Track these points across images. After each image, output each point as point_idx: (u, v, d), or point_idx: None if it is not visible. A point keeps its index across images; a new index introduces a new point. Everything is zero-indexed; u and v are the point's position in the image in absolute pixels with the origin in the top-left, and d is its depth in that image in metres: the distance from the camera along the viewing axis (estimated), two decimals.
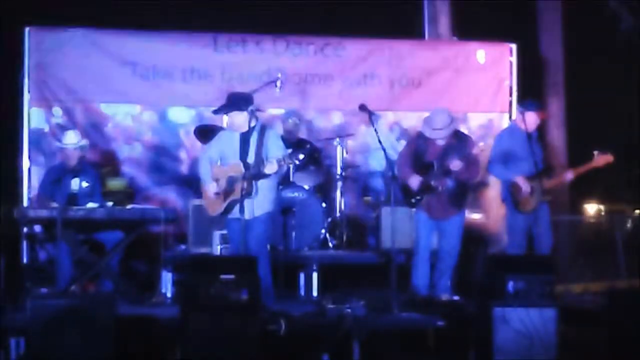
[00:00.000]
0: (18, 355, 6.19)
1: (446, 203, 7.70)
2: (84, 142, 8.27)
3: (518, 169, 7.85)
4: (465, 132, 8.65)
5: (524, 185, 7.76)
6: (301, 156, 7.02)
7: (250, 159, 7.08)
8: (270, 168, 6.99)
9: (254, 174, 7.03)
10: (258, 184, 7.07)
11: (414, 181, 7.65)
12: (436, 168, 7.63)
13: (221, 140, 7.32)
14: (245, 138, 7.14)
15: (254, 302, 6.05)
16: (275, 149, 7.14)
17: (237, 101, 7.21)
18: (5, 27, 9.56)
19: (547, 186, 7.89)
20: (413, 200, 7.66)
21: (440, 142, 7.70)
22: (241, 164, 7.05)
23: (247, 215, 7.00)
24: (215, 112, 7.46)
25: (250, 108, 7.12)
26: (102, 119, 9.28)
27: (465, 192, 7.83)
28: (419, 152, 7.74)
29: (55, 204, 7.69)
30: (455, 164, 7.53)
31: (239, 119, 7.14)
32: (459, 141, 7.72)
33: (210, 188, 7.19)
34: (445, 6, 11.08)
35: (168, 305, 7.40)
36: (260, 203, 7.12)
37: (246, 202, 7.00)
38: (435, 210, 7.71)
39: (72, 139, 8.10)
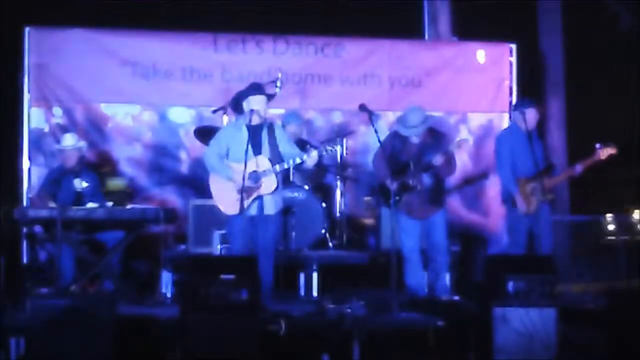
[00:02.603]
0: (18, 355, 6.19)
1: (426, 202, 7.68)
2: (82, 143, 8.29)
3: (520, 169, 7.85)
4: (465, 131, 8.68)
5: (522, 205, 7.76)
6: (336, 146, 7.35)
7: (265, 154, 7.09)
8: (311, 160, 7.08)
9: (292, 167, 7.13)
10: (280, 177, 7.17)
11: (392, 185, 7.59)
12: (412, 167, 7.62)
13: (228, 135, 7.25)
14: (255, 134, 7.13)
15: (254, 302, 6.05)
16: (287, 145, 7.25)
17: (259, 86, 7.31)
18: (5, 27, 9.56)
19: (551, 184, 7.90)
20: (392, 201, 7.61)
21: (415, 140, 7.70)
22: (265, 159, 7.08)
23: (270, 211, 7.11)
24: (240, 94, 7.34)
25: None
26: (102, 119, 9.28)
27: (443, 188, 7.82)
28: (394, 152, 7.72)
29: (53, 204, 7.71)
30: (438, 159, 7.53)
31: (258, 105, 7.13)
32: (435, 138, 7.73)
33: (227, 185, 7.10)
34: (445, 6, 11.07)
35: (168, 305, 7.40)
36: (277, 200, 7.18)
37: (266, 199, 7.09)
38: (416, 210, 7.70)
39: (69, 140, 8.16)
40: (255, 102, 7.16)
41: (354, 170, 9.52)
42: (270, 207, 7.16)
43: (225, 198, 7.14)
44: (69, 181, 8.03)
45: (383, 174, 7.64)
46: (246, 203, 7.05)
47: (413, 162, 7.61)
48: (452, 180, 9.27)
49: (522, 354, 6.11)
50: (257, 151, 7.10)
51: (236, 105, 7.34)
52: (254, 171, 7.06)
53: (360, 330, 6.37)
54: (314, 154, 7.10)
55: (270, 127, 7.22)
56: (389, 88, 9.78)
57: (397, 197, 7.59)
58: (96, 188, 8.19)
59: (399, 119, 7.82)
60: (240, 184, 6.94)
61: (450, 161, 7.68)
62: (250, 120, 7.11)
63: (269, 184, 7.12)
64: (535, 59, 11.22)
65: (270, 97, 7.36)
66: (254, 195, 7.09)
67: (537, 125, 8.10)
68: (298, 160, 7.15)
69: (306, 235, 8.61)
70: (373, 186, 9.53)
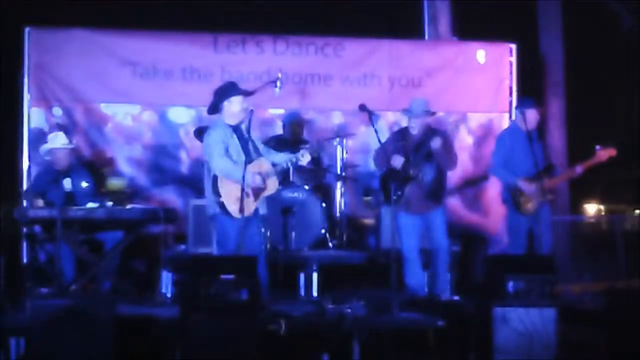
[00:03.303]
0: (18, 355, 6.19)
1: (424, 196, 7.69)
2: (72, 145, 8.30)
3: (520, 169, 7.86)
4: (465, 131, 8.71)
5: (528, 189, 7.77)
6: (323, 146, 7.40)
7: (252, 155, 7.08)
8: (304, 159, 7.11)
9: (287, 168, 7.12)
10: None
11: (397, 160, 7.65)
12: (412, 157, 7.66)
13: (222, 135, 7.08)
14: (241, 133, 7.11)
15: (254, 302, 6.05)
16: (263, 147, 7.28)
17: (231, 86, 7.22)
18: (5, 27, 9.57)
19: (551, 184, 7.91)
20: (394, 197, 7.62)
21: (415, 132, 7.75)
22: (267, 161, 7.09)
23: (263, 210, 7.12)
24: (215, 102, 7.22)
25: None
26: (102, 119, 9.26)
27: (444, 184, 7.83)
28: (396, 149, 7.76)
29: (42, 203, 7.71)
30: (436, 142, 7.56)
31: (240, 105, 7.07)
32: (434, 132, 7.77)
33: (237, 188, 6.92)
34: (445, 6, 11.07)
35: (168, 305, 7.39)
36: (268, 199, 7.18)
37: (262, 200, 7.09)
38: (415, 204, 7.71)
39: (60, 140, 8.14)
40: (237, 102, 7.09)
41: (353, 170, 9.52)
42: (263, 207, 7.14)
43: (235, 201, 6.93)
44: (59, 182, 8.03)
45: (384, 161, 7.69)
46: (254, 205, 7.03)
47: (412, 153, 7.65)
48: (453, 180, 9.29)
49: (522, 354, 6.11)
50: (247, 152, 7.06)
51: (215, 106, 7.19)
52: (259, 173, 7.02)
53: (360, 330, 6.37)
54: (307, 154, 7.10)
55: (247, 129, 7.17)
56: (389, 88, 9.77)
57: (399, 193, 7.60)
58: (91, 188, 8.19)
59: (404, 110, 7.88)
60: (248, 186, 6.92)
61: (449, 149, 7.71)
62: (250, 121, 7.08)
63: (272, 185, 7.12)
64: (535, 59, 11.22)
65: (247, 94, 7.27)
66: (261, 196, 7.07)
67: (537, 126, 8.12)
68: (294, 160, 7.16)
69: (306, 235, 8.61)
70: (368, 186, 9.59)
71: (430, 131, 7.78)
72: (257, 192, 7.03)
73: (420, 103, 7.84)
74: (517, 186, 7.83)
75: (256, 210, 7.08)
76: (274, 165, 7.14)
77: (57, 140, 8.18)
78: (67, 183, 8.07)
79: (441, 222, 7.78)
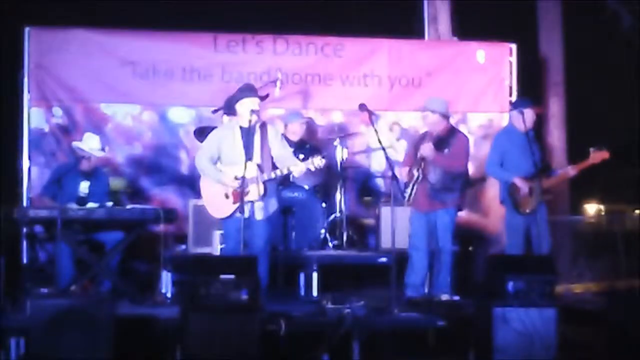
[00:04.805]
0: (18, 355, 6.20)
1: (428, 195, 7.70)
2: (105, 152, 8.31)
3: (517, 169, 7.86)
4: (465, 131, 8.70)
5: (523, 186, 7.78)
6: (323, 160, 7.09)
7: (256, 158, 7.07)
8: (297, 171, 7.07)
9: (280, 176, 7.10)
10: (268, 185, 7.11)
11: (403, 172, 7.74)
12: (418, 156, 7.69)
13: (220, 137, 7.21)
14: (247, 136, 7.10)
15: (254, 302, 6.05)
16: (279, 148, 7.20)
17: (252, 87, 7.27)
18: (5, 27, 9.57)
19: (547, 185, 7.90)
20: (405, 196, 7.66)
21: (433, 132, 7.75)
22: (254, 166, 7.05)
23: (258, 216, 7.06)
24: (230, 99, 7.29)
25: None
26: (102, 119, 9.26)
27: (451, 186, 7.77)
28: (416, 149, 7.80)
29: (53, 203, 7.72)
30: (425, 148, 7.56)
31: (251, 107, 7.07)
32: (449, 134, 7.75)
33: (216, 188, 7.11)
34: (445, 6, 11.06)
35: (168, 305, 7.40)
36: (267, 205, 7.14)
37: (256, 204, 7.06)
38: (421, 202, 7.74)
39: (95, 145, 8.14)
40: (248, 104, 7.12)
41: (353, 170, 9.52)
42: (259, 213, 7.12)
43: (213, 201, 7.15)
44: (77, 183, 8.04)
45: (400, 169, 7.77)
46: (232, 208, 7.04)
47: (419, 153, 7.69)
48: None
49: (522, 354, 6.11)
50: (249, 155, 7.06)
51: (229, 107, 7.29)
52: (242, 177, 7.00)
53: (360, 330, 6.37)
54: (302, 166, 7.08)
55: (263, 129, 7.17)
56: (389, 88, 9.78)
57: (409, 190, 7.64)
58: (105, 192, 8.20)
59: (419, 108, 7.98)
60: (229, 187, 7.01)
61: (452, 152, 7.68)
62: (250, 122, 7.08)
63: (255, 191, 7.07)
64: (535, 59, 11.22)
65: (262, 98, 7.31)
66: (243, 200, 7.03)
67: (534, 126, 8.12)
68: (285, 171, 7.14)
69: (306, 235, 8.62)
70: (368, 186, 9.59)
71: (447, 134, 7.75)
72: (239, 195, 6.96)
73: (432, 101, 7.86)
74: (513, 183, 7.83)
75: (251, 213, 7.06)
76: (275, 169, 7.14)
77: (90, 143, 8.17)
78: (83, 187, 8.08)
79: (446, 223, 7.76)
